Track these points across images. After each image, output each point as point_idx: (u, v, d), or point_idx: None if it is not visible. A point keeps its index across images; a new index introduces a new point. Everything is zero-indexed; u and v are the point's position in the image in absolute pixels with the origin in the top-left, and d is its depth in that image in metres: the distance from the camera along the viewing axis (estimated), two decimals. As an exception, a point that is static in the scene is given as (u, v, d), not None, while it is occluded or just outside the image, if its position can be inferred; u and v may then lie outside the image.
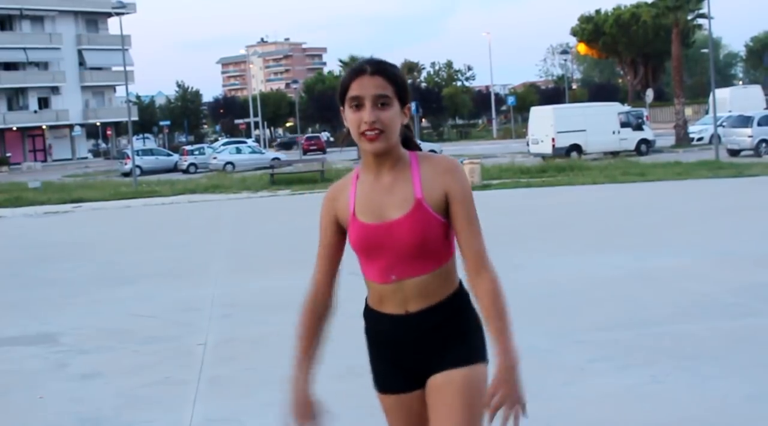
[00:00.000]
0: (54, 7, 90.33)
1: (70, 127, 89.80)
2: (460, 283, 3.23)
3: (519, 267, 11.90)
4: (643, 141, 43.86)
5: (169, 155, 63.70)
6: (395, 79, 3.09)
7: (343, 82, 3.10)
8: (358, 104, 3.04)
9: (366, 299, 3.26)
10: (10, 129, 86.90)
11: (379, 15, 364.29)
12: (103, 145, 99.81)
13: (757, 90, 57.85)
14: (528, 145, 45.91)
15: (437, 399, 3.12)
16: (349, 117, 3.06)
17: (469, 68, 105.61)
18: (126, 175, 50.92)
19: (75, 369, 7.90)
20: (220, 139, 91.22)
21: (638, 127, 44.18)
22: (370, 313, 3.24)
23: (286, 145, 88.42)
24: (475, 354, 3.19)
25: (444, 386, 3.11)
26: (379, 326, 3.21)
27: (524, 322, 8.66)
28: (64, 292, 12.05)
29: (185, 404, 6.56)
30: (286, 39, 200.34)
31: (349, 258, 3.29)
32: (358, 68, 3.10)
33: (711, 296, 9.42)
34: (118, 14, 49.94)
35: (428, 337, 3.15)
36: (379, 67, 3.09)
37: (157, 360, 8.01)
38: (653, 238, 14.02)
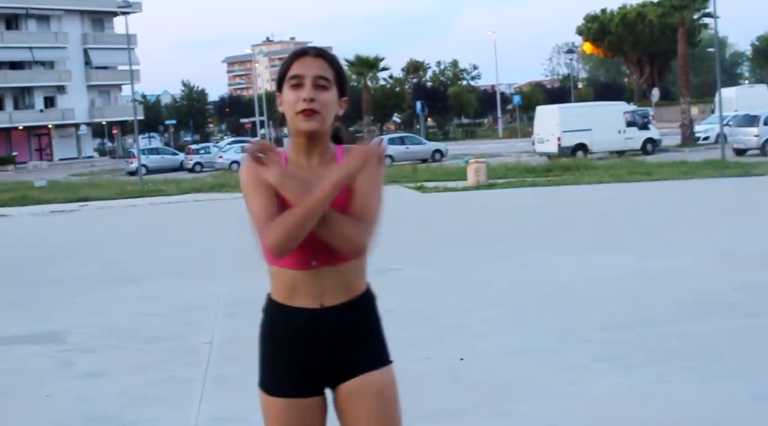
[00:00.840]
0: (60, 7, 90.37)
1: (76, 126, 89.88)
2: (369, 285, 3.20)
3: (524, 266, 11.91)
4: (649, 140, 43.81)
5: (174, 154, 63.77)
6: (337, 66, 3.12)
7: (284, 64, 3.12)
8: (297, 84, 3.04)
9: (269, 295, 3.20)
10: (17, 128, 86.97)
11: (384, 14, 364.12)
12: (109, 144, 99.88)
13: (763, 89, 57.74)
14: (533, 144, 45.88)
15: (355, 406, 3.08)
16: (287, 97, 3.06)
17: (475, 67, 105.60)
18: (132, 174, 50.97)
19: (81, 368, 7.92)
20: (225, 138, 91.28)
21: (644, 127, 44.14)
22: (277, 308, 3.15)
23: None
24: (385, 355, 3.19)
25: (361, 393, 3.08)
26: (289, 322, 3.12)
27: (528, 321, 8.69)
28: (69, 290, 12.06)
29: (191, 403, 6.58)
30: (292, 38, 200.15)
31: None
32: (300, 50, 3.13)
33: (716, 296, 9.41)
34: (123, 13, 49.87)
35: (343, 334, 3.10)
36: (322, 52, 3.13)
37: (162, 359, 8.03)
38: (658, 237, 14.01)
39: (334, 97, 3.09)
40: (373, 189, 3.07)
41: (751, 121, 37.72)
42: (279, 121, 3.28)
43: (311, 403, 3.14)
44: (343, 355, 3.10)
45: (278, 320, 3.17)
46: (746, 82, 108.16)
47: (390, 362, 3.18)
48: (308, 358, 3.11)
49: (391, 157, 48.89)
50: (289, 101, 3.06)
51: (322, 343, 3.10)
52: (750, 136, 37.22)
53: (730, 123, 40.09)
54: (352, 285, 3.11)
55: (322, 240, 3.00)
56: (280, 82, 3.12)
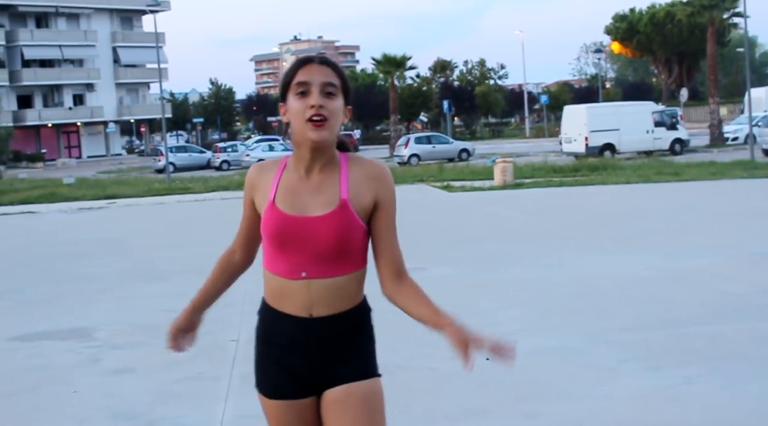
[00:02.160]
0: (89, 5, 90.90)
1: (105, 123, 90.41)
2: (365, 298, 3.17)
3: (550, 266, 11.88)
4: (678, 140, 43.56)
5: (202, 152, 64.01)
6: (342, 74, 3.08)
7: (288, 72, 3.07)
8: (304, 91, 2.99)
9: (263, 298, 3.19)
10: (46, 125, 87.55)
11: (412, 13, 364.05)
12: (137, 142, 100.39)
13: (793, 89, 57.28)
14: (561, 144, 45.73)
15: (337, 414, 3.05)
16: (294, 105, 3.01)
17: (502, 67, 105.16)
18: (159, 171, 51.26)
19: (108, 364, 7.97)
20: (252, 136, 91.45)
21: (672, 127, 43.88)
22: (268, 312, 3.15)
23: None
24: (373, 367, 3.15)
25: (344, 400, 3.05)
26: (277, 326, 3.11)
27: (555, 321, 8.67)
28: (97, 287, 12.14)
29: (217, 400, 6.60)
30: (319, 37, 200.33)
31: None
32: (304, 58, 3.09)
33: (744, 297, 9.35)
34: (152, 12, 50.08)
35: (329, 345, 3.07)
36: (327, 60, 3.09)
37: (189, 356, 7.98)
38: (686, 238, 13.94)
39: (342, 105, 3.04)
40: (395, 230, 3.15)
41: (780, 121, 37.43)
42: (284, 130, 3.26)
43: (306, 403, 3.12)
44: (328, 365, 3.07)
45: (269, 324, 3.16)
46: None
47: (376, 375, 3.13)
48: (295, 363, 3.10)
49: (417, 156, 48.90)
50: (296, 109, 2.99)
51: (307, 350, 3.08)
52: (780, 137, 36.92)
53: (760, 123, 39.82)
54: (343, 298, 3.06)
55: (312, 252, 3.00)
56: (283, 91, 3.07)
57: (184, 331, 3.51)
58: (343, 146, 3.17)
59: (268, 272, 3.12)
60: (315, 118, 2.96)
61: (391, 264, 3.12)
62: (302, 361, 3.09)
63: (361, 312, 3.14)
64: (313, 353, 3.08)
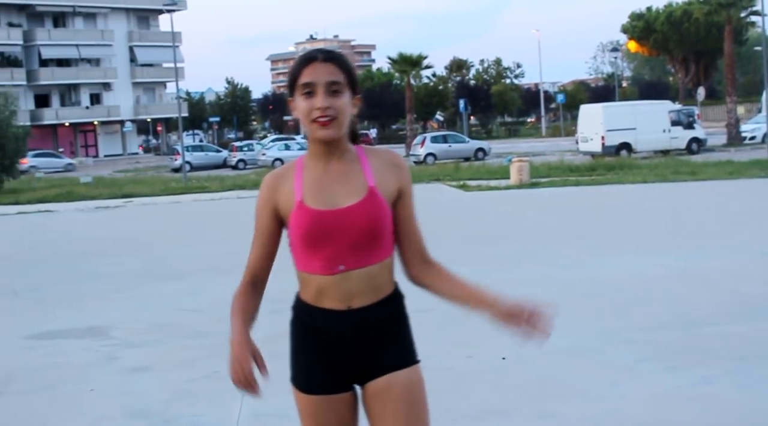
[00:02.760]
0: (106, 5, 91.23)
1: (121, 122, 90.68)
2: (397, 284, 3.19)
3: (567, 266, 11.85)
4: (694, 139, 43.41)
5: (218, 151, 64.12)
6: (347, 67, 3.07)
7: (293, 71, 3.06)
8: (309, 91, 3.00)
9: (298, 294, 3.20)
10: (63, 124, 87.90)
11: (428, 12, 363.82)
12: (154, 141, 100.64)
13: (811, 88, 57.00)
14: (577, 143, 45.64)
15: (382, 404, 3.07)
16: (300, 105, 3.02)
17: (518, 66, 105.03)
18: (176, 170, 51.34)
19: (124, 362, 7.98)
20: (269, 135, 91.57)
21: (689, 126, 43.73)
22: (305, 308, 3.16)
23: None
24: (412, 354, 3.16)
25: (387, 390, 3.06)
26: (317, 323, 3.12)
27: (572, 321, 8.63)
28: (114, 286, 12.17)
29: (233, 399, 6.60)
30: (335, 36, 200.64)
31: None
32: (308, 56, 3.07)
33: (761, 297, 9.31)
34: (168, 11, 50.33)
35: (370, 334, 3.09)
36: (331, 55, 3.07)
37: (205, 354, 8.07)
38: (703, 237, 13.88)
39: (348, 100, 3.04)
40: (415, 214, 3.20)
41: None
42: (294, 127, 3.26)
43: (342, 398, 3.13)
44: (370, 355, 3.09)
45: (306, 319, 3.17)
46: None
47: (417, 361, 3.15)
48: (335, 356, 3.10)
49: (433, 155, 48.86)
50: (303, 109, 3.01)
51: (348, 342, 3.09)
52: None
53: (777, 123, 39.62)
54: (380, 286, 3.09)
55: (347, 243, 3.01)
56: (291, 88, 3.08)
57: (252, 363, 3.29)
58: (355, 138, 3.19)
59: (304, 273, 3.13)
60: (321, 118, 2.98)
61: (416, 248, 3.18)
62: (342, 355, 3.10)
63: (397, 298, 3.17)
64: (354, 345, 3.09)
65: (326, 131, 2.99)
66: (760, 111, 51.30)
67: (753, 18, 57.07)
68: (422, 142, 50.42)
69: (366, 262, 3.04)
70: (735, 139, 48.95)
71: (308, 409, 3.17)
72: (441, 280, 3.18)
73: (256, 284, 3.26)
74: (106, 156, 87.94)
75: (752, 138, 48.35)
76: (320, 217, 3.02)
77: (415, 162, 47.93)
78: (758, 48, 70.78)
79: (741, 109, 60.00)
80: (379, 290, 3.09)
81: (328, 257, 3.03)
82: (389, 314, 3.13)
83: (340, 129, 3.02)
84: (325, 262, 3.04)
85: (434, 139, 51.53)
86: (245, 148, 60.94)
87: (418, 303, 3.66)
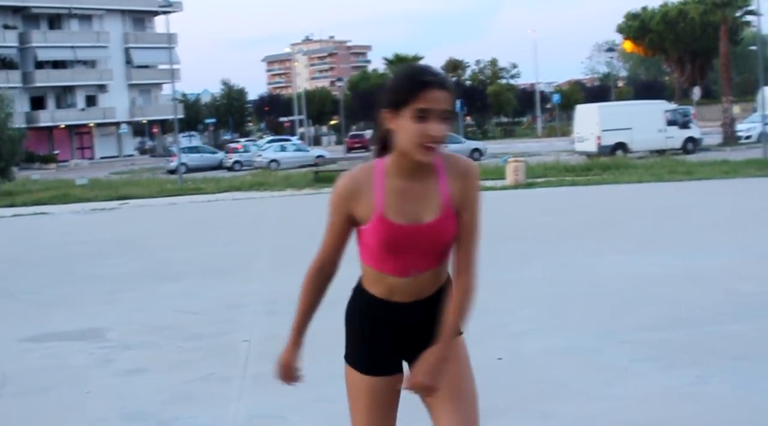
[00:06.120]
0: (102, 6, 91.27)
1: (117, 124, 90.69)
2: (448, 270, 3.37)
3: (563, 266, 11.85)
4: (690, 139, 43.49)
5: (214, 153, 64.06)
6: (454, 92, 3.13)
7: (407, 90, 3.02)
8: (423, 116, 3.01)
9: (362, 283, 3.33)
10: (58, 126, 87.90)
11: (423, 12, 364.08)
12: (149, 143, 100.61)
13: (806, 88, 57.03)
14: (573, 143, 45.67)
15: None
16: (410, 126, 3.02)
17: (514, 66, 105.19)
18: (172, 172, 51.36)
19: (121, 364, 7.97)
20: (264, 136, 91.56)
21: (685, 125, 43.80)
22: (370, 298, 3.31)
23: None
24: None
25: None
26: (382, 313, 3.28)
27: (568, 321, 8.64)
28: (110, 288, 12.15)
29: (229, 400, 6.60)
30: (331, 37, 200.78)
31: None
32: (425, 80, 3.04)
33: (758, 296, 9.31)
34: (164, 13, 50.25)
35: (434, 316, 3.25)
36: (445, 82, 3.08)
37: (201, 356, 8.06)
38: (699, 237, 13.89)
39: None
40: (479, 220, 3.27)
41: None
42: (379, 139, 3.28)
43: (397, 379, 3.34)
44: (430, 336, 3.24)
45: (371, 309, 3.32)
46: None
47: (461, 332, 3.35)
48: (399, 342, 3.31)
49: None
50: (413, 132, 3.01)
51: (412, 329, 3.30)
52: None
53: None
54: (441, 278, 3.31)
55: (421, 253, 3.18)
56: (396, 103, 3.05)
57: (296, 367, 3.51)
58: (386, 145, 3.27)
59: (373, 270, 3.27)
60: (431, 145, 3.04)
61: (463, 257, 3.27)
62: (408, 340, 3.30)
63: (449, 280, 3.35)
64: (420, 330, 3.28)
65: (429, 156, 3.07)
66: (755, 110, 51.28)
67: (748, 17, 57.21)
68: (418, 143, 50.33)
69: (434, 265, 3.24)
70: (730, 138, 49.03)
71: (371, 389, 3.33)
72: (454, 296, 3.30)
73: (324, 269, 3.39)
74: (101, 158, 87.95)
75: (748, 137, 48.42)
76: (401, 231, 3.14)
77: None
78: (753, 47, 70.89)
79: (736, 109, 59.99)
80: (441, 281, 3.31)
81: (401, 263, 3.21)
82: (445, 295, 3.29)
83: (439, 150, 3.10)
84: (399, 267, 3.22)
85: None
86: (241, 150, 60.62)
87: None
